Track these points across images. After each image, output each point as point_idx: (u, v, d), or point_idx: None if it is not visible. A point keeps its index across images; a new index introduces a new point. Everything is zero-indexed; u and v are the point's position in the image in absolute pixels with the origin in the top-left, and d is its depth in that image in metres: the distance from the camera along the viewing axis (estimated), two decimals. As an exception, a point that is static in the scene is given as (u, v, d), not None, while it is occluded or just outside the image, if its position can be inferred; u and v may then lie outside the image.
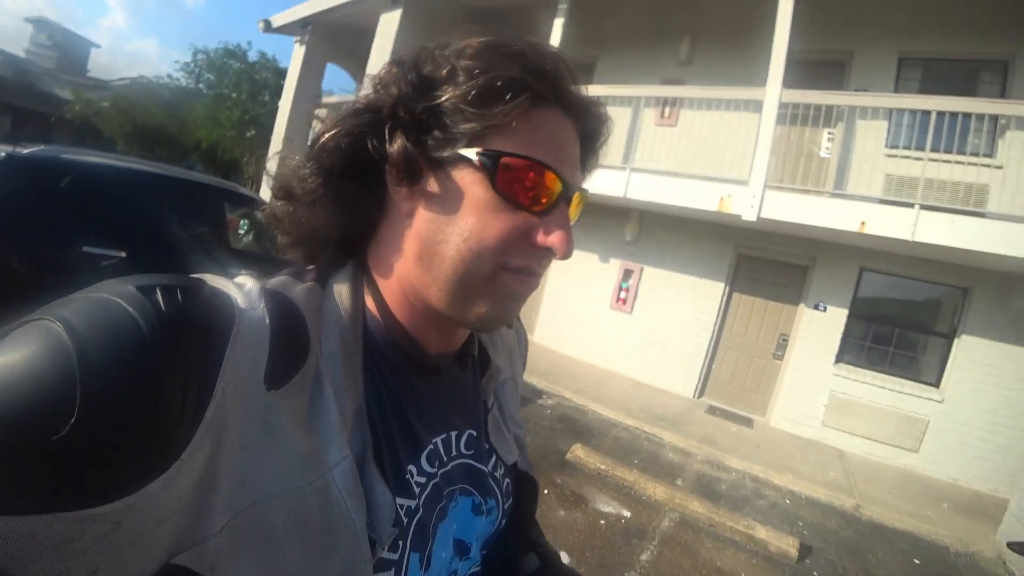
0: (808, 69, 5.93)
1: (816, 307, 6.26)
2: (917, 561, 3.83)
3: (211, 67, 18.74)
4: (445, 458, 0.49)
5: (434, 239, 0.43)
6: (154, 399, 0.29)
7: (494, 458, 0.56)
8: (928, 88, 5.97)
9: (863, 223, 4.90)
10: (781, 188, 5.45)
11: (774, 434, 6.11)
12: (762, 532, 3.55)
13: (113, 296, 0.31)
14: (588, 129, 0.48)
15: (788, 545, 3.45)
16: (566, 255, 0.44)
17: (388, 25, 8.21)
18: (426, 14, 8.28)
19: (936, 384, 5.87)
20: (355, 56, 10.01)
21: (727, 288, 6.83)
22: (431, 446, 0.48)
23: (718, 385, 6.92)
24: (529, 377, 6.07)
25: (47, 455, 0.27)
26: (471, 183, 0.42)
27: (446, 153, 0.42)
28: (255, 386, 0.35)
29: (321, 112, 10.71)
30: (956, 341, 5.77)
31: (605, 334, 7.58)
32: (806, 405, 6.18)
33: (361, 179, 0.46)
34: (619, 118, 6.53)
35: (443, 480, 0.48)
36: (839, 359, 6.14)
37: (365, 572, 0.38)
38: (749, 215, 5.19)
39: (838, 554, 3.66)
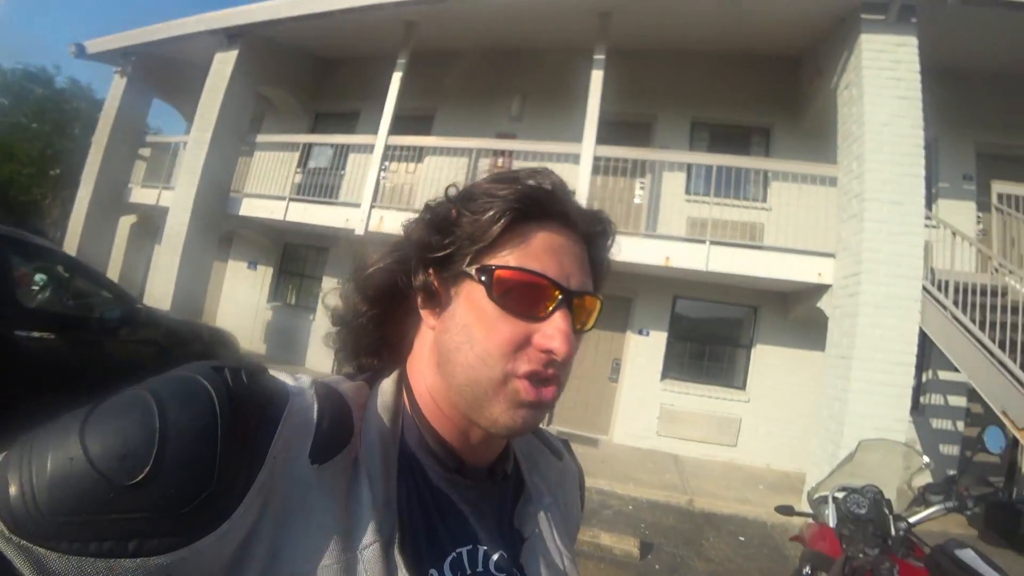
0: (622, 128, 7.02)
1: (640, 332, 7.18)
2: (742, 538, 4.44)
3: (4, 90, 16.12)
4: (469, 571, 0.48)
5: (448, 348, 0.47)
6: (215, 459, 0.33)
7: None
8: (715, 147, 7.39)
9: (668, 258, 5.82)
10: None
11: (617, 449, 6.71)
12: (606, 538, 3.89)
13: (194, 372, 0.37)
14: (590, 235, 0.52)
15: (630, 545, 3.82)
16: (565, 356, 0.45)
17: (223, 65, 7.86)
18: (264, 56, 8.09)
19: (743, 388, 7.02)
20: (185, 93, 9.19)
21: (567, 322, 7.56)
22: (454, 554, 0.47)
23: (564, 412, 7.45)
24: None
25: (119, 497, 0.30)
26: (477, 296, 0.46)
27: (455, 272, 0.48)
28: (301, 461, 0.39)
29: (146, 152, 9.73)
30: (753, 350, 7.00)
31: None
32: (641, 419, 6.94)
33: (400, 304, 0.53)
34: (456, 168, 6.95)
35: None
36: (664, 376, 7.07)
37: None
38: None
39: (676, 545, 4.12)
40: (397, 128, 7.21)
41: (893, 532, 1.71)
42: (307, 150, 8.17)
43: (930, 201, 7.34)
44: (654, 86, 7.38)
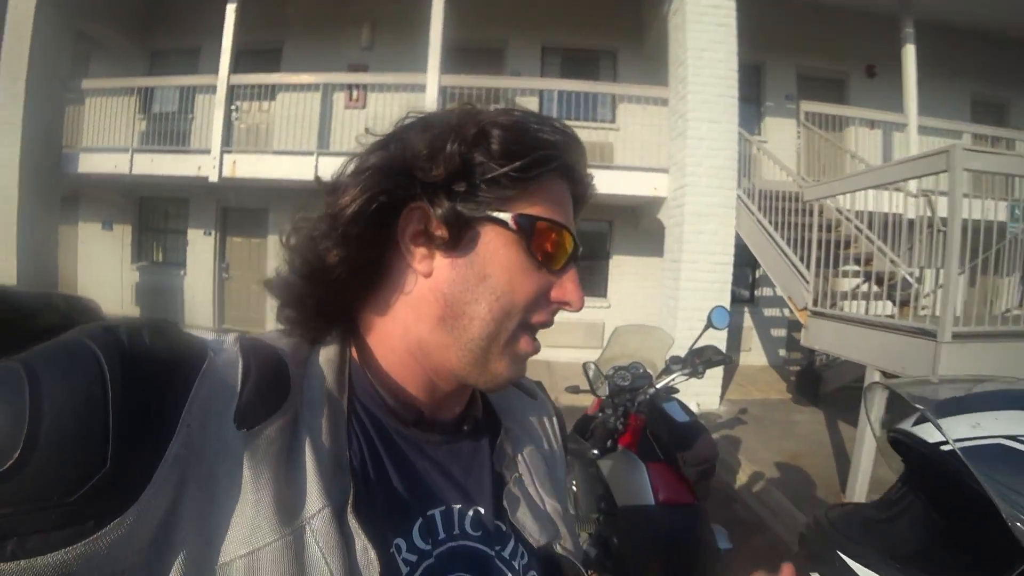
0: (473, 55, 7.00)
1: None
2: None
3: None
4: (444, 535, 0.44)
5: (462, 299, 0.43)
6: (107, 435, 0.28)
7: (512, 541, 0.48)
8: (566, 70, 7.70)
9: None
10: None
11: (497, 363, 7.32)
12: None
13: (80, 335, 0.30)
14: (579, 196, 0.50)
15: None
16: (580, 307, 0.47)
17: (24, 3, 6.75)
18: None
19: (605, 295, 7.80)
20: None
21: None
22: (422, 518, 0.43)
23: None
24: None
25: None
26: (502, 244, 0.43)
27: (480, 214, 0.42)
28: (225, 427, 0.33)
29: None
30: (611, 261, 7.72)
31: None
32: (517, 333, 7.52)
33: (379, 243, 0.44)
34: (310, 103, 6.71)
35: (439, 562, 0.42)
36: (536, 292, 7.63)
37: None
38: None
39: None
40: (243, 64, 6.76)
41: (642, 396, 1.96)
42: (148, 94, 7.39)
43: (759, 119, 8.23)
44: (504, 11, 7.39)
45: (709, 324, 2.16)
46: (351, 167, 0.45)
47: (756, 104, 8.20)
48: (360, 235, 0.42)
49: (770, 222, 5.32)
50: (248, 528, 0.32)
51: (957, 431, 0.78)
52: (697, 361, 2.10)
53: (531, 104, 7.06)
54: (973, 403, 0.84)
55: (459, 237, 0.43)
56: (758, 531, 3.26)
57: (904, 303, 4.27)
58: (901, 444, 1.04)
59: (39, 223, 6.97)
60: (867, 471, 3.42)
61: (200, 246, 8.31)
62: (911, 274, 4.32)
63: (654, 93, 6.44)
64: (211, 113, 6.73)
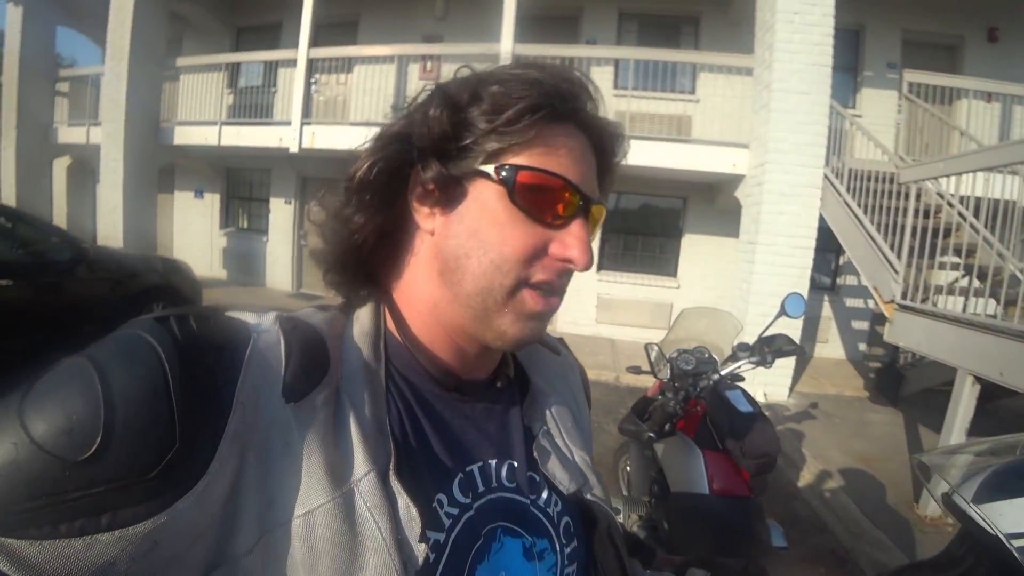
0: (546, 24, 6.87)
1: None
2: (652, 405, 5.11)
3: None
4: (483, 488, 0.46)
5: (456, 254, 0.44)
6: (173, 417, 0.31)
7: (546, 491, 0.51)
8: (644, 38, 7.31)
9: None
10: None
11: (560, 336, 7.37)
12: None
13: (135, 328, 0.34)
14: (603, 146, 0.48)
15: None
16: (585, 266, 0.45)
17: (128, -19, 7.28)
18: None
19: (674, 275, 7.57)
20: (91, 18, 8.52)
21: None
22: (462, 474, 0.45)
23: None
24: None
25: (76, 474, 0.29)
26: (492, 198, 0.43)
27: (468, 170, 0.43)
28: (274, 401, 0.36)
29: (64, 87, 9.15)
30: (683, 240, 7.45)
31: None
32: (581, 309, 7.47)
33: (398, 209, 0.46)
34: (386, 76, 6.82)
35: (479, 514, 0.45)
36: (600, 267, 7.51)
37: None
38: None
39: (595, 414, 4.74)
40: (321, 38, 6.98)
41: (704, 382, 1.89)
42: (235, 69, 7.88)
43: (855, 90, 7.54)
44: (580, -23, 7.15)
45: (782, 312, 2.05)
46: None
47: (852, 73, 7.49)
48: (372, 200, 0.45)
49: (859, 205, 4.92)
50: (303, 491, 0.35)
51: (1013, 520, 0.70)
52: (766, 350, 2.00)
53: (606, 74, 6.88)
54: None
55: (451, 194, 0.44)
56: (818, 533, 3.13)
57: (1011, 302, 3.85)
58: (958, 510, 0.91)
59: (142, 191, 7.69)
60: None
61: (281, 214, 8.78)
62: (1022, 270, 3.89)
63: (737, 62, 6.05)
64: (292, 86, 7.03)
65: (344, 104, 7.56)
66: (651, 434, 1.86)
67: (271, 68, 7.65)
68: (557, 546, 0.49)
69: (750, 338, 2.16)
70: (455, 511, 0.43)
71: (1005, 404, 5.82)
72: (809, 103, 5.28)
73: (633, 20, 7.55)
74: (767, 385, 5.28)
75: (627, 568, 0.53)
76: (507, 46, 5.97)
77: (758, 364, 2.00)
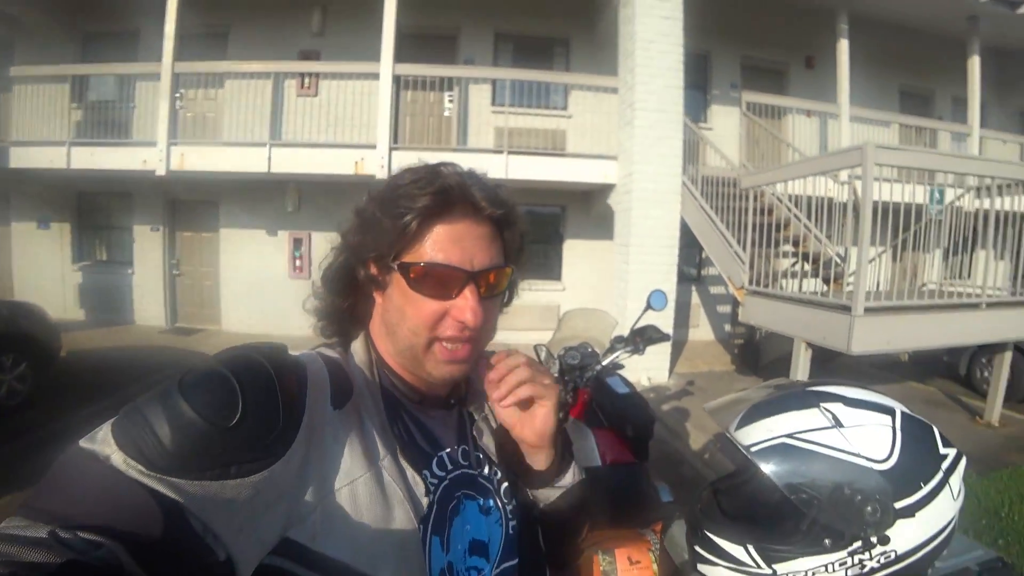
0: (427, 42, 7.03)
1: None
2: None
3: None
4: (450, 466, 0.65)
5: (391, 322, 0.63)
6: (279, 407, 0.48)
7: (487, 465, 0.70)
8: (519, 58, 7.76)
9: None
10: (407, 148, 6.41)
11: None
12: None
13: (245, 351, 0.51)
14: (497, 217, 0.62)
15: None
16: (474, 324, 0.59)
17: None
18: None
19: (559, 279, 8.07)
20: None
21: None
22: (437, 457, 0.65)
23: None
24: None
25: (222, 436, 0.44)
26: (403, 284, 0.60)
27: (387, 267, 0.60)
28: (327, 407, 0.55)
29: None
30: (564, 245, 7.96)
31: (288, 303, 7.75)
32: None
33: (361, 288, 0.65)
34: (261, 91, 6.59)
35: (452, 483, 0.64)
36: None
37: (416, 532, 0.57)
38: (380, 173, 6.06)
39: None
40: (187, 48, 6.46)
41: (589, 373, 2.10)
42: (82, 82, 6.97)
43: (706, 106, 8.55)
44: (456, -1, 7.41)
45: (648, 306, 2.33)
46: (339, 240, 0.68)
47: (704, 92, 8.51)
48: (341, 287, 0.66)
49: (712, 207, 5.62)
50: (346, 468, 0.54)
51: (753, 437, 0.97)
52: (639, 340, 2.26)
53: (484, 92, 7.16)
54: (769, 409, 1.01)
55: (383, 281, 0.62)
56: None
57: (833, 280, 4.64)
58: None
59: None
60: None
61: (148, 242, 7.97)
62: (838, 253, 4.68)
63: (604, 83, 6.62)
64: (154, 102, 6.49)
65: (215, 121, 7.09)
66: None
67: (127, 81, 6.98)
68: (500, 503, 0.68)
69: (627, 331, 2.39)
70: (436, 481, 0.63)
71: (840, 362, 6.91)
72: (666, 120, 5.94)
73: (508, 40, 7.98)
74: (650, 370, 5.80)
75: (533, 512, 0.73)
76: (387, 66, 6.03)
77: (632, 352, 2.26)
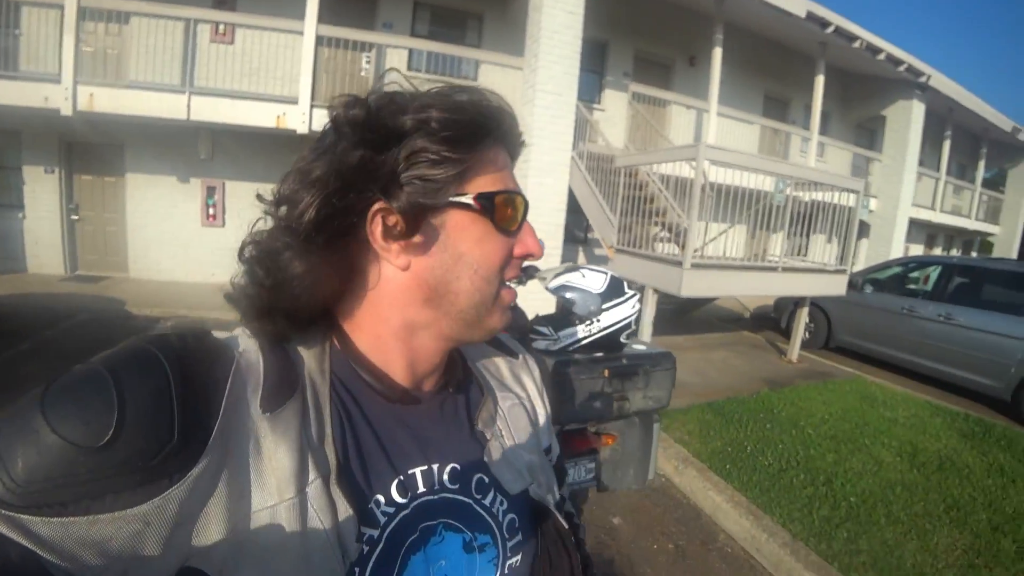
0: (345, 5, 7.30)
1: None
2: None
3: None
4: (422, 489, 0.50)
5: (445, 279, 0.48)
6: (173, 417, 0.36)
7: (492, 491, 0.55)
8: (435, 25, 8.38)
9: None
10: (325, 105, 6.73)
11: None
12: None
13: (142, 342, 0.39)
14: (514, 154, 0.55)
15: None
16: (542, 254, 0.54)
17: None
18: None
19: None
20: None
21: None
22: (401, 477, 0.49)
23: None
24: (141, 309, 6.20)
25: (88, 460, 0.33)
26: (468, 223, 0.48)
27: (441, 201, 0.46)
28: (252, 411, 0.42)
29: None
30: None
31: (202, 251, 7.99)
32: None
33: (342, 245, 0.46)
34: (172, 32, 6.56)
35: (417, 512, 0.49)
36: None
37: None
38: (302, 129, 6.48)
39: None
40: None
41: None
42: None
43: (600, 89, 9.59)
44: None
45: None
46: (293, 178, 0.46)
47: (600, 76, 9.55)
48: (325, 243, 0.44)
49: (594, 180, 6.66)
50: (269, 489, 0.41)
51: (554, 283, 2.09)
52: (522, 274, 3.31)
53: (401, 56, 7.69)
54: (561, 271, 2.15)
55: (427, 227, 0.46)
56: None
57: (683, 245, 5.87)
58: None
59: None
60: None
61: (41, 185, 7.61)
62: (687, 225, 5.89)
63: (511, 62, 7.38)
64: (44, 31, 6.23)
65: (117, 59, 6.85)
66: None
67: (11, 5, 6.44)
68: (499, 540, 0.53)
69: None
70: (391, 510, 0.47)
71: (695, 315, 8.38)
72: (562, 102, 6.84)
73: (426, 8, 8.48)
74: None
75: (572, 553, 0.58)
76: (311, 25, 6.32)
77: (518, 283, 3.19)
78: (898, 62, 10.23)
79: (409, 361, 0.52)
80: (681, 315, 8.25)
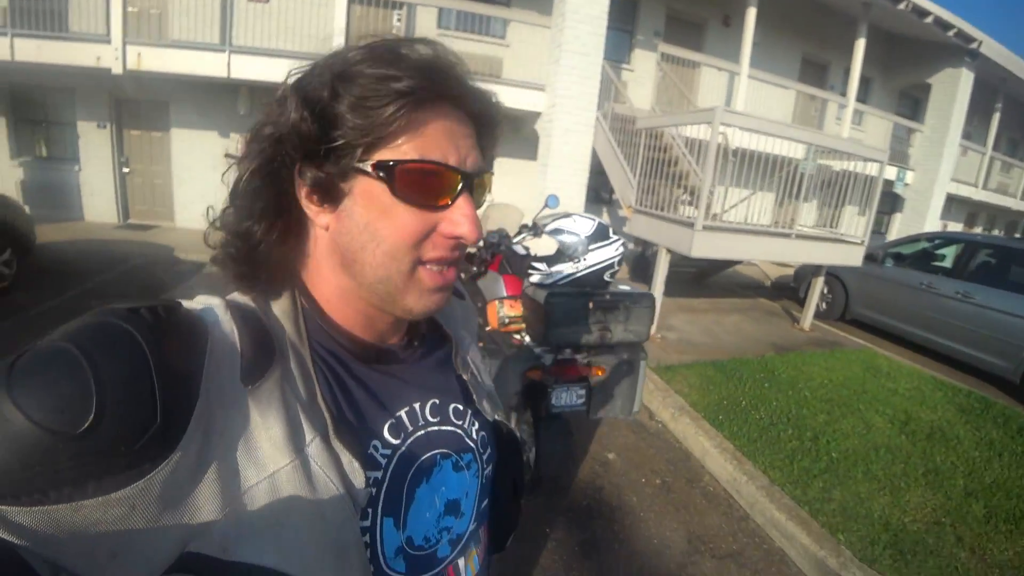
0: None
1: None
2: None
3: None
4: (411, 428, 0.54)
5: (352, 247, 0.47)
6: (154, 397, 0.35)
7: (468, 416, 0.60)
8: None
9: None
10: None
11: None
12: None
13: (110, 317, 0.36)
14: (479, 113, 0.49)
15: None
16: (475, 240, 0.47)
17: None
18: None
19: (490, 191, 8.97)
20: None
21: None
22: (392, 420, 0.52)
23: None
24: (188, 255, 6.65)
25: (69, 447, 0.31)
26: (376, 192, 0.45)
27: (346, 168, 0.44)
28: (234, 385, 0.41)
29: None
30: (496, 163, 8.85)
31: None
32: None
33: (290, 206, 0.47)
34: (213, -2, 6.79)
35: (413, 447, 0.53)
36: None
37: (354, 526, 0.44)
38: None
39: None
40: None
41: (503, 246, 2.77)
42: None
43: (631, 49, 9.48)
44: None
45: (545, 205, 2.99)
46: (248, 137, 0.48)
47: (630, 35, 9.43)
48: (262, 208, 0.46)
49: (616, 141, 6.73)
50: (263, 459, 0.41)
51: (549, 227, 2.44)
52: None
53: (431, 14, 7.79)
54: (556, 217, 2.42)
55: (335, 192, 0.46)
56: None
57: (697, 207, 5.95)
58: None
59: None
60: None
61: (95, 139, 8.11)
62: (710, 190, 5.95)
63: (539, 21, 7.39)
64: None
65: (160, 20, 7.17)
66: (475, 269, 2.98)
67: None
68: (478, 456, 0.60)
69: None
70: (388, 451, 0.51)
71: (714, 280, 8.46)
72: (588, 63, 6.86)
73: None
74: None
75: (518, 453, 0.70)
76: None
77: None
78: (947, 26, 9.73)
79: (365, 318, 0.53)
80: (700, 279, 8.34)
